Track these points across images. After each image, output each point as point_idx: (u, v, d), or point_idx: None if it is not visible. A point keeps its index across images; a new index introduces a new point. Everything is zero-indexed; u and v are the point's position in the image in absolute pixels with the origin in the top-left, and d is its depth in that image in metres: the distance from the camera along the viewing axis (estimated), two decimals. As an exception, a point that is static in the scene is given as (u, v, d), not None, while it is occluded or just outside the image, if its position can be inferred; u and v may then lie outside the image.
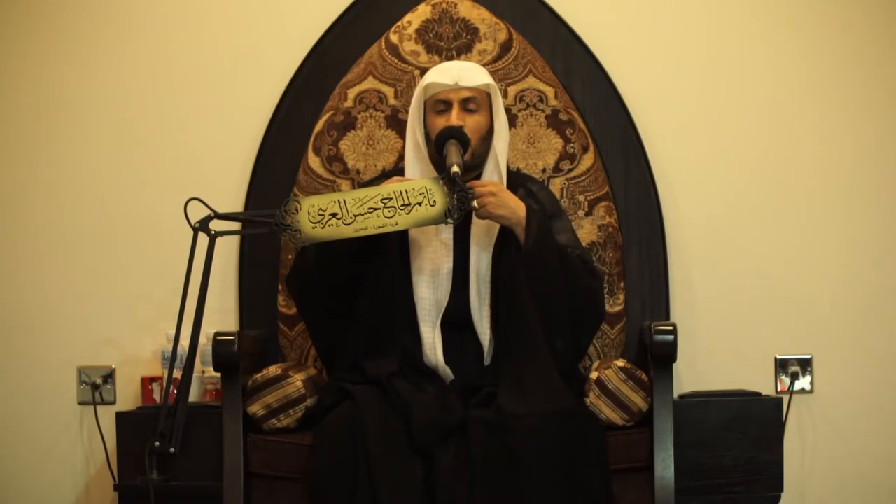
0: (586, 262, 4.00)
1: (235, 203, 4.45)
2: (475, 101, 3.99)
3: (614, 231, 4.33)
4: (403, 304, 3.95)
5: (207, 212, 3.77)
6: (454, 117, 3.95)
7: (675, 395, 3.89)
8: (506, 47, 4.37)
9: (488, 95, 4.01)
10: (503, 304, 3.92)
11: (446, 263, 3.96)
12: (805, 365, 4.43)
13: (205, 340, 4.12)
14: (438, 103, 3.98)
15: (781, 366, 4.44)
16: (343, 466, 3.65)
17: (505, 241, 3.95)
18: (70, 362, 4.49)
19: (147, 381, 4.40)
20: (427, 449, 3.65)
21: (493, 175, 4.00)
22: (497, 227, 3.96)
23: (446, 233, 3.96)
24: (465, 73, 4.00)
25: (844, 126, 4.45)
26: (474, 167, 3.98)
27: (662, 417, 3.76)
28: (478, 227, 3.97)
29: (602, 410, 3.80)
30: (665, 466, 3.74)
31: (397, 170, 4.14)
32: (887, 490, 4.42)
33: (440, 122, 3.96)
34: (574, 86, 4.40)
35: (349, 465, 3.64)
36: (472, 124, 3.97)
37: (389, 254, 3.95)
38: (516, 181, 4.09)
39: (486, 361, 3.95)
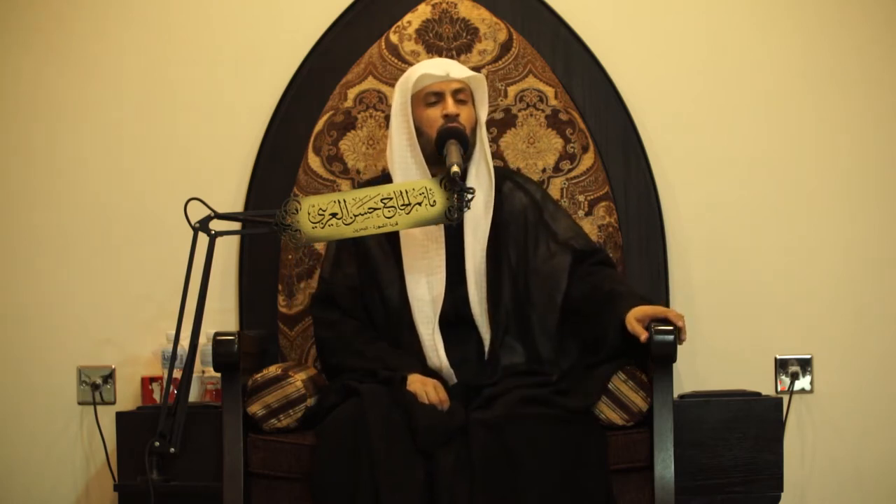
0: (597, 251, 4.05)
1: (235, 203, 4.45)
2: (464, 91, 4.02)
3: (614, 231, 4.33)
4: (401, 306, 3.97)
5: (207, 212, 3.77)
6: (451, 106, 3.98)
7: (675, 395, 3.89)
8: (506, 47, 4.37)
9: (470, 90, 4.03)
10: (504, 308, 3.95)
11: (440, 261, 3.97)
12: (805, 365, 4.43)
13: (205, 340, 4.12)
14: (429, 95, 4.00)
15: (781, 366, 4.44)
16: (345, 465, 3.65)
17: (498, 233, 3.98)
18: (70, 362, 4.49)
19: (147, 381, 4.40)
20: (430, 451, 3.65)
21: (482, 169, 4.01)
22: (489, 219, 3.99)
23: (438, 230, 3.97)
24: (453, 66, 4.05)
25: (844, 126, 4.45)
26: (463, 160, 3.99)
27: (662, 417, 3.75)
28: (471, 222, 3.98)
29: (602, 410, 3.79)
30: (665, 466, 3.74)
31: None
32: (887, 490, 4.42)
33: (433, 114, 3.98)
34: (574, 86, 4.40)
35: (351, 464, 3.64)
36: (465, 114, 4.00)
37: (382, 260, 3.99)
38: (502, 175, 4.12)
39: (488, 357, 3.96)
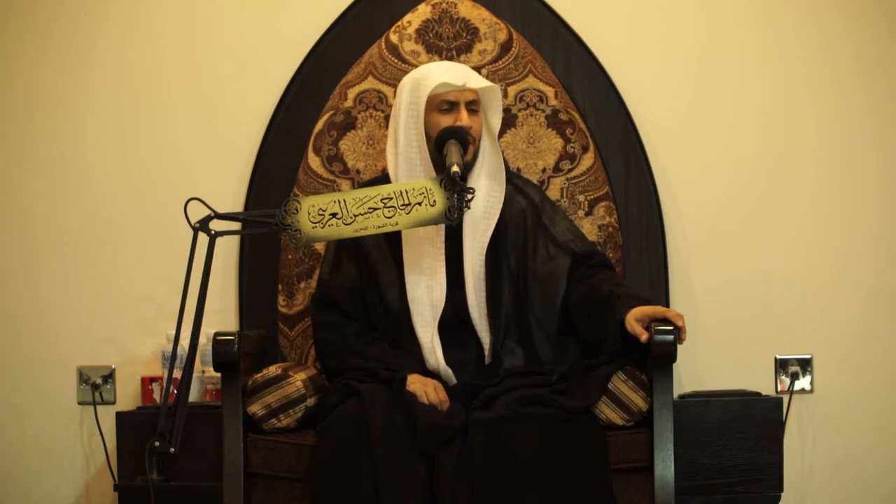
0: (596, 254, 4.04)
1: (235, 203, 4.46)
2: (477, 102, 4.01)
3: (614, 231, 4.33)
4: (402, 309, 3.97)
5: (207, 212, 3.77)
6: (465, 118, 3.97)
7: (675, 395, 3.89)
8: (506, 47, 4.37)
9: (480, 98, 4.03)
10: (503, 310, 3.95)
11: (440, 263, 3.97)
12: (805, 365, 4.43)
13: (205, 340, 4.12)
14: (443, 103, 3.99)
15: (781, 366, 4.44)
16: (345, 465, 3.65)
17: (498, 236, 3.97)
18: (70, 362, 4.49)
19: (147, 381, 4.40)
20: (430, 451, 3.65)
21: (485, 174, 4.00)
22: (492, 222, 3.99)
23: (438, 234, 3.97)
24: (470, 75, 4.04)
25: (843, 125, 4.45)
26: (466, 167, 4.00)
27: (662, 417, 3.75)
28: (469, 225, 3.98)
29: (602, 410, 3.79)
30: (665, 466, 3.74)
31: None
32: (887, 490, 4.42)
33: (445, 121, 3.98)
34: (574, 86, 4.40)
35: (352, 464, 3.64)
36: (476, 125, 3.99)
37: (382, 262, 3.99)
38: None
39: (488, 360, 3.96)
